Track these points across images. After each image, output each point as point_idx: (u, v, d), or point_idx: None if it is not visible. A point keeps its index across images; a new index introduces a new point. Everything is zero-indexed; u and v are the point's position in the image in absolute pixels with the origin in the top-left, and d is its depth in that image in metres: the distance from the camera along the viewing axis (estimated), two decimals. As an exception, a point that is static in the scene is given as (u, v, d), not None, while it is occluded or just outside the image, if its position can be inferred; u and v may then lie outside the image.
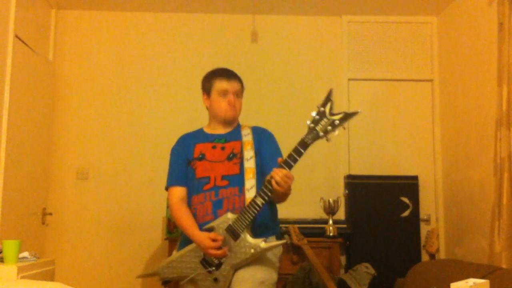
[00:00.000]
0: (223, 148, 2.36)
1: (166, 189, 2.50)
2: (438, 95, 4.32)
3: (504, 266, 2.94)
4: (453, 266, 2.94)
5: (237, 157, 2.32)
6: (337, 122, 2.00)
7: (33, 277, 2.39)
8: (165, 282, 2.38)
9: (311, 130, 2.03)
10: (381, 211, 3.95)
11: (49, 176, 4.08)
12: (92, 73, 4.30)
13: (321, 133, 2.02)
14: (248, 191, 2.23)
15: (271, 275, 2.24)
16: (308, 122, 2.03)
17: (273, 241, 2.24)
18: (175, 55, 4.35)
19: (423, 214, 4.13)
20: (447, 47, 4.21)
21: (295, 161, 2.06)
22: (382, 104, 4.35)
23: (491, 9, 3.39)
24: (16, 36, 3.41)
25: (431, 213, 4.21)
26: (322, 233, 3.67)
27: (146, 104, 4.29)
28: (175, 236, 3.72)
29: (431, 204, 4.23)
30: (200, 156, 2.37)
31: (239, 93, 2.43)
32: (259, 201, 2.12)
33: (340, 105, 4.29)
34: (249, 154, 2.32)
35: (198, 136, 2.48)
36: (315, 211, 3.80)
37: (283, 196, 2.23)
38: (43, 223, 3.92)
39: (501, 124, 3.08)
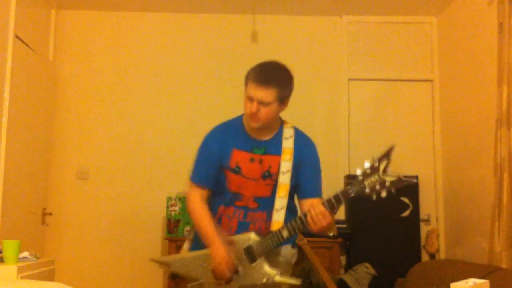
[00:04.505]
0: (260, 162, 2.19)
1: (190, 180, 2.29)
2: (438, 95, 4.31)
3: (504, 266, 2.94)
4: (453, 266, 2.94)
5: (272, 178, 2.17)
6: (388, 184, 1.95)
7: (33, 277, 2.39)
8: (174, 276, 2.34)
9: (358, 182, 1.97)
10: (381, 211, 3.94)
11: (49, 176, 4.08)
12: (92, 73, 4.30)
13: (367, 190, 1.96)
14: (277, 212, 2.12)
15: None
16: (358, 172, 1.97)
17: (288, 277, 2.15)
18: (175, 55, 4.35)
19: (423, 214, 4.13)
20: (447, 47, 4.21)
21: (332, 208, 1.99)
22: (382, 104, 4.35)
23: (491, 9, 3.39)
24: (16, 36, 3.41)
25: (431, 213, 4.21)
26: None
27: (146, 104, 4.29)
28: (175, 236, 3.72)
29: (431, 204, 4.22)
30: (236, 168, 2.19)
31: (268, 101, 2.13)
32: (285, 233, 2.06)
33: (340, 106, 4.31)
34: (286, 166, 2.16)
35: (236, 136, 2.24)
36: (315, 211, 3.79)
37: (321, 232, 2.16)
38: (43, 223, 3.92)
39: (501, 124, 3.08)
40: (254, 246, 2.09)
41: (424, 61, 4.39)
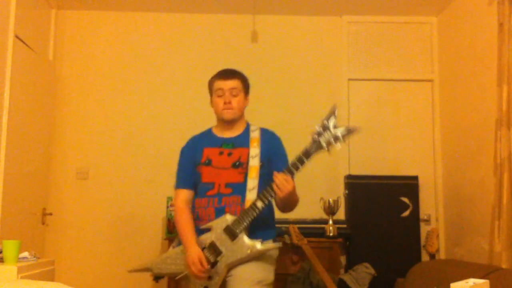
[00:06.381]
0: (229, 154, 2.36)
1: (174, 187, 2.52)
2: (438, 95, 4.31)
3: (504, 266, 2.94)
4: (453, 266, 2.94)
5: (243, 166, 2.32)
6: (339, 136, 2.14)
7: (33, 277, 2.39)
8: (157, 278, 2.41)
9: (315, 141, 2.16)
10: (381, 211, 3.95)
11: (49, 176, 4.08)
12: (92, 73, 4.30)
13: (324, 145, 2.15)
14: (250, 192, 2.25)
15: (268, 276, 2.27)
16: (312, 134, 2.16)
17: (269, 243, 2.26)
18: (175, 55, 4.35)
19: (423, 214, 4.13)
20: (447, 47, 4.21)
21: (297, 169, 2.16)
22: (382, 104, 4.35)
23: (491, 9, 3.39)
24: (16, 36, 3.41)
25: (431, 213, 4.21)
26: (322, 233, 3.67)
27: (146, 104, 4.28)
28: (175, 236, 3.72)
29: (431, 204, 4.22)
30: (207, 161, 2.38)
31: (237, 92, 2.41)
32: (259, 204, 2.19)
33: (340, 105, 4.30)
34: (254, 151, 2.34)
35: (207, 138, 2.47)
36: (315, 211, 3.80)
37: (289, 203, 2.30)
38: (43, 223, 3.91)
39: (501, 124, 3.09)
40: (232, 225, 2.20)
41: (424, 61, 4.39)
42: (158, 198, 4.02)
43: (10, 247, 2.38)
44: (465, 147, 3.81)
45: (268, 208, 2.35)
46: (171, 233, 3.76)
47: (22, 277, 2.32)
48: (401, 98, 4.37)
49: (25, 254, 2.55)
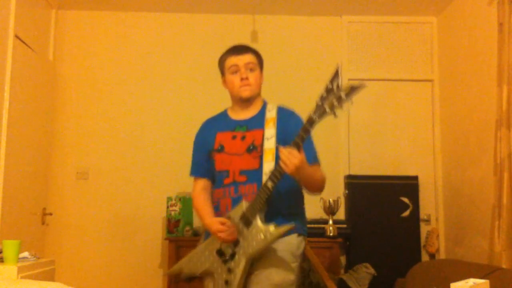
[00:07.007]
0: (243, 138, 2.23)
1: (190, 175, 2.41)
2: (438, 95, 4.32)
3: (504, 266, 2.94)
4: (453, 266, 2.94)
5: (257, 150, 2.18)
6: (343, 96, 1.94)
7: (33, 277, 2.39)
8: (189, 279, 2.31)
9: (319, 107, 1.98)
10: (381, 211, 3.95)
11: (49, 176, 4.08)
12: (92, 73, 4.30)
13: (327, 109, 1.96)
14: (266, 175, 2.09)
15: (287, 276, 2.14)
16: (317, 100, 2.00)
17: (284, 225, 2.05)
18: (175, 55, 4.35)
19: (423, 214, 4.13)
20: (447, 47, 4.21)
21: (303, 139, 1.98)
22: (382, 104, 4.35)
23: (491, 9, 3.39)
24: (16, 36, 3.41)
25: (431, 213, 4.21)
26: (322, 233, 3.67)
27: (145, 104, 4.29)
28: (175, 236, 3.73)
29: (431, 204, 4.23)
30: (219, 147, 2.26)
31: (253, 66, 2.29)
32: (270, 184, 2.03)
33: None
34: (270, 133, 2.19)
35: (220, 122, 2.35)
36: (315, 211, 3.79)
37: (308, 180, 2.14)
38: (43, 223, 3.92)
39: (501, 124, 3.09)
40: (247, 211, 2.08)
41: (424, 61, 4.39)
42: (158, 198, 4.02)
43: (10, 247, 2.38)
44: (465, 147, 3.81)
45: (294, 195, 2.23)
46: (171, 233, 3.76)
47: (22, 277, 2.32)
48: (401, 98, 4.37)
49: (25, 254, 2.55)
